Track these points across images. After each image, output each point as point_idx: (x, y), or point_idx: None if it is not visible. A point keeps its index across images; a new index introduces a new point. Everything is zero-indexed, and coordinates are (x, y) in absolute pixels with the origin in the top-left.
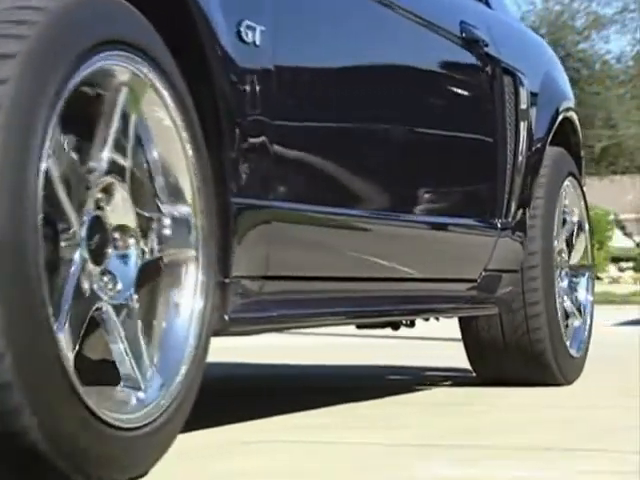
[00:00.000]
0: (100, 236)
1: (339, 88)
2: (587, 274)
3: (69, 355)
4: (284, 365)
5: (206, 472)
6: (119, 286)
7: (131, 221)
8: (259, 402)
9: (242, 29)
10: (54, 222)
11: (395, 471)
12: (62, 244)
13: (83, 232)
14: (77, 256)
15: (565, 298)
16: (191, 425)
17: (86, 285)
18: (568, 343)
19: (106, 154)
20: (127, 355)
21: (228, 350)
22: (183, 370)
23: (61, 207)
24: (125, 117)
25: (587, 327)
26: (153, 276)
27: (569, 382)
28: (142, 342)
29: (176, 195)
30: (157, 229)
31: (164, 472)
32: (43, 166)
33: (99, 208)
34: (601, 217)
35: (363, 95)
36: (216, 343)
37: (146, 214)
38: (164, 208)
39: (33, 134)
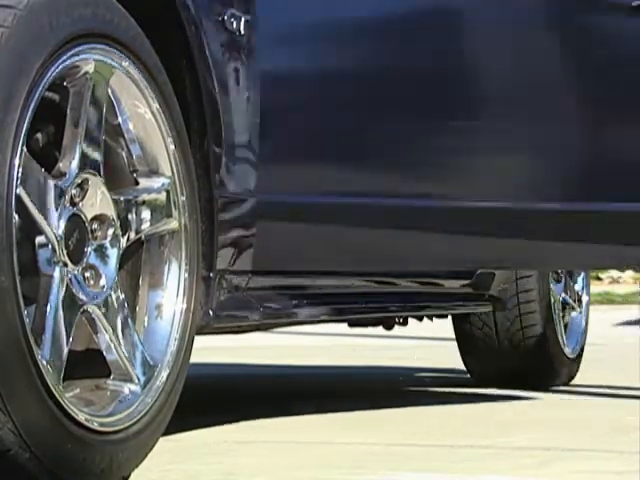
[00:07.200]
0: (79, 236)
1: (327, 79)
2: (582, 274)
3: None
4: (280, 365)
5: (201, 472)
6: (102, 281)
7: (109, 211)
8: (256, 402)
9: (226, 18)
10: (30, 238)
11: (394, 471)
12: (40, 259)
13: (62, 246)
14: (57, 274)
15: (561, 296)
16: (189, 425)
17: (68, 296)
18: (563, 344)
19: (77, 153)
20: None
21: (225, 351)
22: (164, 374)
23: (36, 225)
24: (100, 111)
25: (583, 327)
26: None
27: (564, 383)
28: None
29: (158, 190)
30: (137, 217)
31: (160, 472)
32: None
33: (74, 205)
34: None
35: (355, 87)
36: (213, 343)
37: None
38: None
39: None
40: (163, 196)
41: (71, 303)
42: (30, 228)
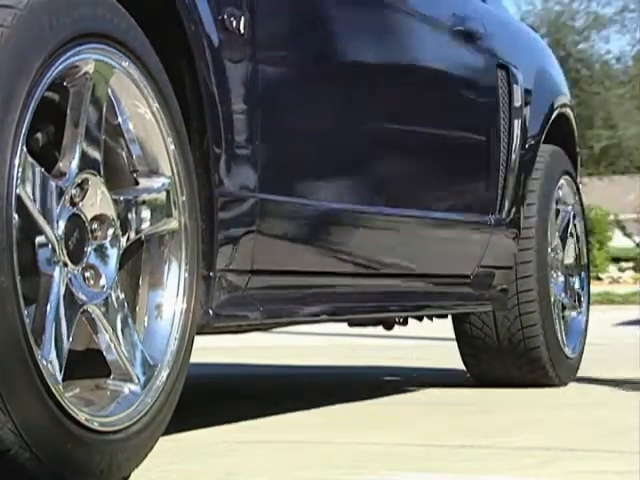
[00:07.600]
0: (79, 236)
1: (325, 78)
2: (582, 274)
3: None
4: (280, 365)
5: (201, 472)
6: (102, 281)
7: (109, 211)
8: (256, 402)
9: (226, 17)
10: (30, 238)
11: (394, 471)
12: (40, 259)
13: (62, 246)
14: (57, 273)
15: (561, 296)
16: (189, 425)
17: (68, 296)
18: (563, 344)
19: (77, 153)
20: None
21: (225, 351)
22: (164, 374)
23: (36, 225)
24: (100, 111)
25: (583, 327)
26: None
27: (564, 383)
28: (128, 334)
29: (158, 190)
30: (137, 217)
31: (160, 472)
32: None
33: (74, 205)
34: (601, 217)
35: (351, 86)
36: (213, 343)
37: (122, 198)
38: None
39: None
40: (163, 196)
41: (71, 303)
42: (30, 228)
